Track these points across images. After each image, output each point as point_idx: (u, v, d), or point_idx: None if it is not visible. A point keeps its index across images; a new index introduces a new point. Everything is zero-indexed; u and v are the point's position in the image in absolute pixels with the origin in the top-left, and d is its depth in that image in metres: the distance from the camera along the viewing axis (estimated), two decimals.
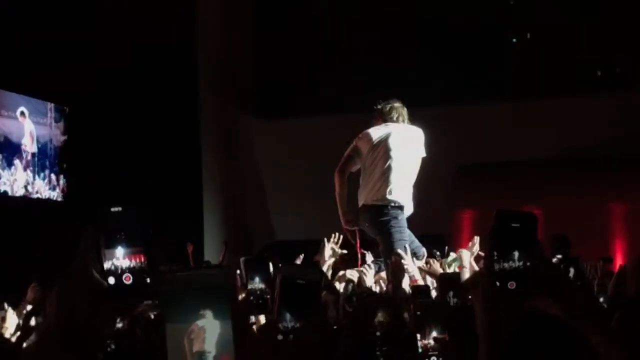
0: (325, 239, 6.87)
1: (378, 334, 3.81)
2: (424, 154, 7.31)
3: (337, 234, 6.99)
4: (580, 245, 9.03)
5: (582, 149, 14.45)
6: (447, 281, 3.85)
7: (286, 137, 16.49)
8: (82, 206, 13.63)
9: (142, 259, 1.99)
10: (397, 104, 7.43)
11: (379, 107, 7.48)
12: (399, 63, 14.57)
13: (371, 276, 6.24)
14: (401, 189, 7.15)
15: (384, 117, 7.41)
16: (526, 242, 2.22)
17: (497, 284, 2.20)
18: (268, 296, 3.83)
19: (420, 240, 7.23)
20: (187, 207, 15.87)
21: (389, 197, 7.09)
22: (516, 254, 2.20)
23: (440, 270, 5.64)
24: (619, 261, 12.13)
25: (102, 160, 15.14)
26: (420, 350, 3.54)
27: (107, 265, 1.97)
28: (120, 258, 1.99)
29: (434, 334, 3.53)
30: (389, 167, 7.13)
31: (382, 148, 7.23)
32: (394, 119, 7.35)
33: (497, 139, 14.90)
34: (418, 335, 3.63)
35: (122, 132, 15.24)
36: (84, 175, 15.37)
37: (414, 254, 6.62)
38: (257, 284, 3.91)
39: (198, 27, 16.77)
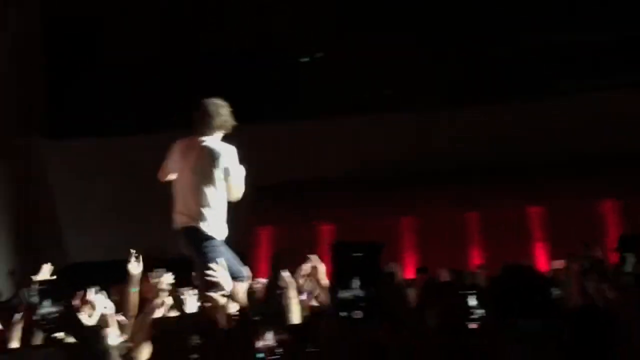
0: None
1: (195, 356, 3.74)
2: (234, 172, 6.82)
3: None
4: None
5: (375, 166, 15.00)
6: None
7: (79, 158, 16.04)
8: None
9: None
10: (210, 108, 6.84)
11: (194, 112, 6.90)
12: (194, 83, 14.51)
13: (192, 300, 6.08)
14: (209, 209, 6.75)
15: (195, 127, 6.91)
16: (368, 270, 2.25)
17: (343, 314, 2.20)
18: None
19: None
20: None
21: (198, 218, 6.73)
22: (357, 281, 2.22)
23: (242, 294, 5.53)
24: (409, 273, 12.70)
25: None
26: (262, 354, 3.49)
27: None
28: None
29: (270, 335, 3.49)
30: (196, 187, 6.76)
31: (186, 166, 6.86)
32: (204, 130, 6.85)
33: (295, 157, 15.17)
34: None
35: None
36: None
37: (236, 277, 6.45)
38: (47, 307, 3.76)
39: None
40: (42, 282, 4.41)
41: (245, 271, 6.69)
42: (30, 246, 15.71)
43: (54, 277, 5.26)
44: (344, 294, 2.23)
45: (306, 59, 16.74)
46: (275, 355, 3.54)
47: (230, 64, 15.76)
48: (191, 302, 6.23)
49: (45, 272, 5.32)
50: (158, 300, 5.91)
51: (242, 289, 6.33)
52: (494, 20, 15.54)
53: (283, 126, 15.53)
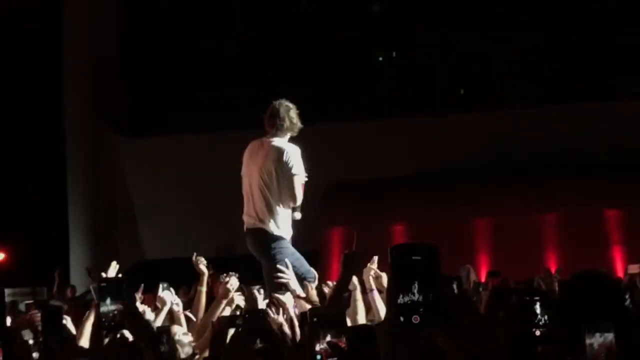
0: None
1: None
2: (296, 173, 6.73)
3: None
4: (445, 259, 9.19)
5: (446, 165, 14.85)
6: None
7: (155, 156, 16.28)
8: None
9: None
10: (280, 110, 6.78)
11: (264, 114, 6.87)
12: (268, 81, 14.58)
13: (261, 299, 6.06)
14: (275, 210, 6.77)
15: (265, 129, 6.86)
16: (426, 274, 2.21)
17: (401, 318, 2.16)
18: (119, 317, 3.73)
19: None
20: (52, 227, 15.38)
21: (264, 220, 6.75)
22: (416, 286, 2.18)
23: (316, 298, 5.48)
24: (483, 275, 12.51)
25: None
26: (319, 356, 3.48)
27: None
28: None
29: (328, 337, 3.47)
30: (263, 188, 6.76)
31: (254, 167, 6.85)
32: (273, 131, 6.80)
33: (364, 157, 15.12)
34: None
35: None
36: None
37: (304, 278, 6.43)
38: (108, 306, 3.78)
39: (64, 47, 16.43)
40: (103, 280, 4.46)
41: (313, 272, 6.66)
42: (108, 243, 16.02)
43: (120, 275, 5.33)
44: (403, 299, 2.19)
45: (380, 59, 16.70)
46: (333, 357, 3.51)
47: (308, 60, 15.81)
48: (261, 301, 6.22)
49: (112, 270, 5.39)
50: (225, 300, 5.91)
51: (311, 289, 6.30)
52: None
53: (356, 126, 15.51)
